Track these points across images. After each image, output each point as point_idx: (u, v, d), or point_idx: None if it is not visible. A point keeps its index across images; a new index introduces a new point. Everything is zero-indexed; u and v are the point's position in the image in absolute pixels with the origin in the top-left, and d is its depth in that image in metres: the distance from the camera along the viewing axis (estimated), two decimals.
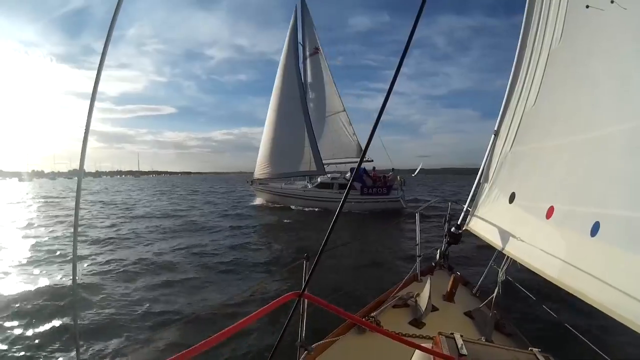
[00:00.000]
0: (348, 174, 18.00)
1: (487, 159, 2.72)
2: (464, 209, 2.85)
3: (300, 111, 17.93)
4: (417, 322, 2.21)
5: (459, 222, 2.90)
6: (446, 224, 3.12)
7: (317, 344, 1.83)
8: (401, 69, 0.94)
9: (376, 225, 13.09)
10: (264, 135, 19.44)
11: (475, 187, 2.78)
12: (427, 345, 1.36)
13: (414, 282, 2.87)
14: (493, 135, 2.70)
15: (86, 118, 0.83)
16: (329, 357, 1.82)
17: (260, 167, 19.74)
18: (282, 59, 18.73)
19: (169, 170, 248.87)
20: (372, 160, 18.69)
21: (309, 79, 19.10)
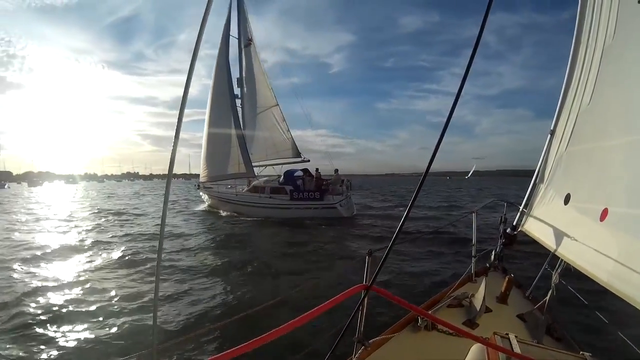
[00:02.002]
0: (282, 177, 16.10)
1: (543, 159, 2.73)
2: (520, 210, 2.88)
3: (229, 108, 16.49)
4: (470, 323, 2.19)
5: (514, 224, 2.91)
6: (501, 225, 3.09)
7: (373, 339, 1.84)
8: (470, 67, 0.91)
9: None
10: (203, 135, 18.33)
11: (531, 188, 2.79)
12: (482, 345, 1.42)
13: (469, 283, 2.86)
14: (549, 135, 2.70)
15: (176, 124, 0.90)
16: (385, 354, 1.81)
17: (201, 170, 18.67)
18: (217, 55, 17.53)
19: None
20: (309, 161, 16.58)
21: (244, 73, 17.59)
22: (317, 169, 16.29)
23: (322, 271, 6.51)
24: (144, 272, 6.44)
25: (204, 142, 18.17)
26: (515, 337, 1.44)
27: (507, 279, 2.67)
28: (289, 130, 16.79)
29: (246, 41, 17.37)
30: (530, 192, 2.78)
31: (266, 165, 17.59)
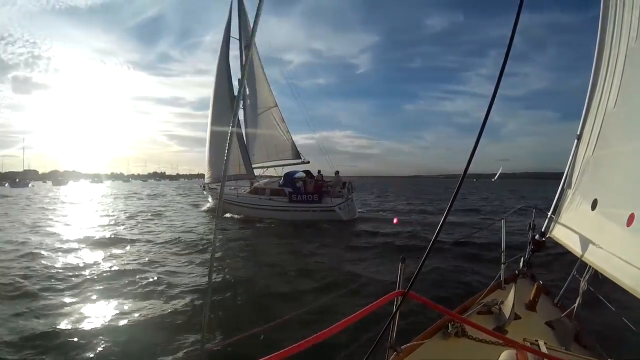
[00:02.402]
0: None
1: (570, 164, 2.72)
2: (548, 216, 2.88)
3: (229, 109, 16.52)
4: (499, 330, 2.15)
5: (542, 230, 2.91)
6: (530, 232, 3.08)
7: (405, 345, 1.85)
8: (504, 70, 0.91)
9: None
10: (206, 136, 18.49)
11: (559, 193, 2.80)
12: (512, 351, 1.48)
13: (498, 290, 2.85)
14: (576, 140, 2.68)
15: (230, 126, 1.21)
16: None
17: (205, 171, 18.87)
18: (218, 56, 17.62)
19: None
20: (309, 162, 16.34)
21: (246, 74, 17.52)
22: (319, 171, 16.05)
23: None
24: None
25: (207, 143, 18.35)
26: (545, 343, 1.48)
27: (535, 285, 2.67)
28: (288, 132, 16.65)
29: (246, 42, 17.32)
30: (558, 197, 2.79)
31: (268, 167, 17.52)
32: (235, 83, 17.53)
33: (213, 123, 17.44)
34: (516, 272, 3.21)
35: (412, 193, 42.08)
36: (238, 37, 17.58)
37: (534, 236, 2.99)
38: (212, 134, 17.62)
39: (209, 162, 18.27)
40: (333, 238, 11.08)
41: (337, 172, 15.72)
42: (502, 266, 2.98)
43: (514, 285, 2.65)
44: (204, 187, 20.22)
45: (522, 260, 3.24)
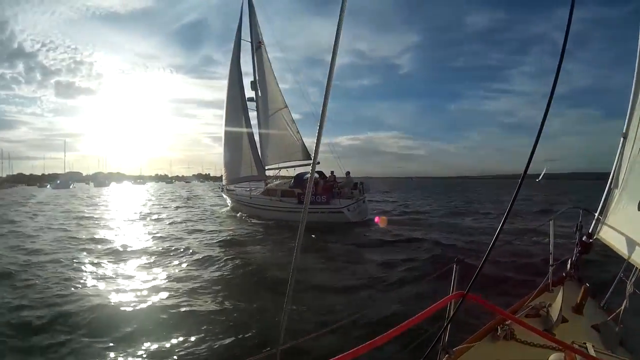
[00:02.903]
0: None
1: (616, 164, 2.71)
2: (595, 217, 2.87)
3: (241, 111, 16.66)
4: (547, 333, 2.16)
5: (590, 231, 2.90)
6: (577, 233, 3.08)
7: (456, 348, 1.86)
8: (561, 68, 0.94)
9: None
10: (222, 138, 18.86)
11: (606, 194, 2.77)
12: (560, 354, 1.50)
13: (546, 292, 2.88)
14: (622, 138, 2.67)
15: (317, 127, 1.03)
16: None
17: (222, 173, 19.27)
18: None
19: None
20: (319, 163, 16.00)
21: (257, 76, 17.58)
22: (332, 172, 15.70)
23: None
24: None
25: (223, 145, 18.69)
26: (593, 346, 1.51)
27: (583, 288, 2.66)
28: (298, 132, 16.45)
29: (257, 44, 17.37)
30: (605, 197, 2.78)
31: (280, 168, 17.44)
32: (246, 82, 17.70)
33: (226, 126, 17.72)
34: (563, 274, 3.20)
35: (456, 195, 40.51)
36: (250, 40, 17.65)
37: (581, 237, 2.98)
38: (226, 136, 17.92)
39: (224, 165, 18.62)
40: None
41: (347, 173, 15.28)
42: (550, 268, 2.96)
43: (561, 288, 2.63)
44: (222, 189, 20.65)
45: (569, 262, 3.22)
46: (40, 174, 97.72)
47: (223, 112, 18.26)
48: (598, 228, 2.85)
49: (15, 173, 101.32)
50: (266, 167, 17.63)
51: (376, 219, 13.63)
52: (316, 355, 3.33)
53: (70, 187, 71.94)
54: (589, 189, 43.22)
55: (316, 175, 15.69)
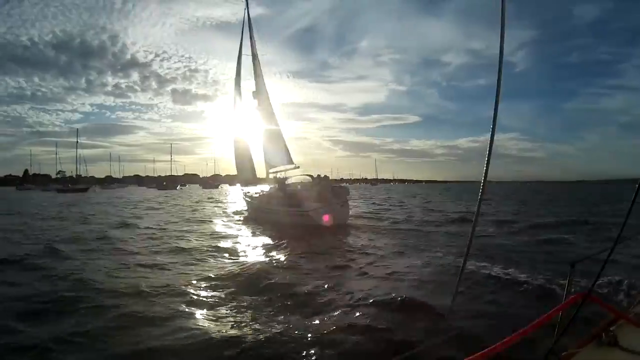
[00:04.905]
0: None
1: None
2: None
3: (242, 119, 18.32)
4: None
5: None
6: None
7: (564, 353, 1.79)
8: None
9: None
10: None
11: None
12: None
13: None
14: None
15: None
16: None
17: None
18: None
19: (412, 179, 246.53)
20: (299, 167, 16.44)
21: (254, 87, 18.84)
22: (326, 176, 16.04)
23: None
24: None
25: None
26: None
27: None
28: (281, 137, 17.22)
29: (254, 54, 18.73)
30: None
31: (277, 172, 18.26)
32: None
33: (233, 134, 19.59)
34: None
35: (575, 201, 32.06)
36: (250, 53, 19.01)
37: None
38: (234, 143, 19.70)
39: (235, 169, 20.48)
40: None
41: (325, 177, 15.41)
42: None
43: None
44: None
45: None
46: (156, 176, 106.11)
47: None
48: None
49: (132, 175, 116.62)
50: (270, 171, 18.76)
51: (325, 217, 13.22)
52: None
53: (177, 188, 78.00)
54: None
55: (309, 178, 16.04)
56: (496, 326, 3.97)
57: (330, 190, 14.58)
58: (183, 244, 9.85)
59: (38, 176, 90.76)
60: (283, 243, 10.08)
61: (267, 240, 10.91)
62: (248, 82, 19.26)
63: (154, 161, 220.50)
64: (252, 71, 18.68)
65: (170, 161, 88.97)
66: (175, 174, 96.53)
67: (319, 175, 15.16)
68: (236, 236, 11.92)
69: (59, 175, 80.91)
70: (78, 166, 71.85)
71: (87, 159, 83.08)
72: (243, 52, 18.94)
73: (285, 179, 16.31)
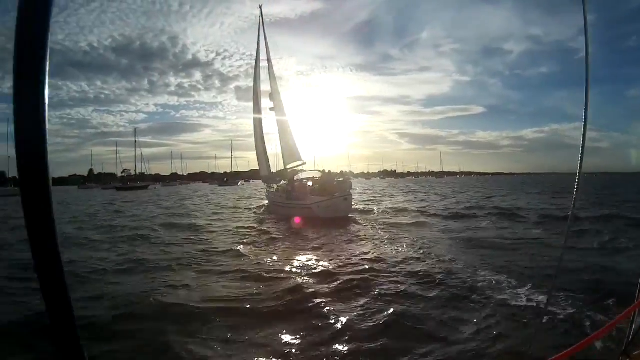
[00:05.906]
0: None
1: None
2: None
3: (259, 116, 19.67)
4: None
5: None
6: None
7: (636, 352, 1.73)
8: None
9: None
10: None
11: None
12: None
13: None
14: None
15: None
16: None
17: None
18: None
19: (479, 171, 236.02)
20: (305, 163, 17.19)
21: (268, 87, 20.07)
22: (329, 170, 16.71)
23: None
24: None
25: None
26: None
27: None
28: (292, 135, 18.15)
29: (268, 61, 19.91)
30: None
31: (291, 168, 19.23)
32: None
33: (254, 132, 21.11)
34: None
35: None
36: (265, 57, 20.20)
37: None
38: (255, 143, 21.23)
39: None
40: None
41: (328, 172, 16.03)
42: None
43: None
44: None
45: None
46: (222, 172, 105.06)
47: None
48: None
49: (197, 172, 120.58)
50: (287, 167, 19.87)
51: (296, 220, 13.61)
52: None
53: (239, 184, 78.02)
54: None
55: (319, 173, 16.88)
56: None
57: (334, 184, 15.08)
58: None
59: (102, 175, 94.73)
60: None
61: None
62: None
63: (215, 158, 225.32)
64: (267, 74, 20.00)
65: (231, 157, 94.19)
66: (238, 170, 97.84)
67: (323, 170, 15.84)
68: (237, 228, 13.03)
69: (123, 174, 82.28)
70: (140, 164, 73.63)
71: (152, 157, 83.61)
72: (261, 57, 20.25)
73: (296, 173, 17.26)
